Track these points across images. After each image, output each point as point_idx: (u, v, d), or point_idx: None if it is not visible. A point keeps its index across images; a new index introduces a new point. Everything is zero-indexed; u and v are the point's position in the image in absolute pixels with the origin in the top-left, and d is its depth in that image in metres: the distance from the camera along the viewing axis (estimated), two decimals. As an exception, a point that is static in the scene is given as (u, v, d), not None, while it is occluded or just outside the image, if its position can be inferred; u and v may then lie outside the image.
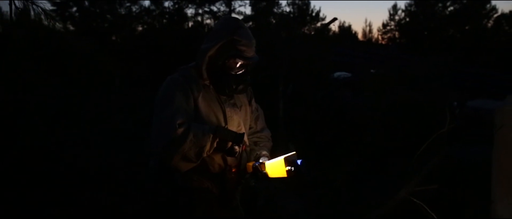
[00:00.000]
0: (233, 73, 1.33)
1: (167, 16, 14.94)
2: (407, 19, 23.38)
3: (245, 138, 1.40)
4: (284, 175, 1.29)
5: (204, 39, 1.39)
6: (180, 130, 1.23)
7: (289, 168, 1.28)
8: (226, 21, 1.39)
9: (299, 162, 1.31)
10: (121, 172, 2.76)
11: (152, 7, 14.76)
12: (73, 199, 2.38)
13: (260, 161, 1.38)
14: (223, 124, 1.37)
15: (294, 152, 1.34)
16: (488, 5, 20.65)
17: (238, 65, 1.33)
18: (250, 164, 1.39)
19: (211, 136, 1.25)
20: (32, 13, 1.94)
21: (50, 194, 2.35)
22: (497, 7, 23.44)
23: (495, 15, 20.72)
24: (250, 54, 1.34)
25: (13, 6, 1.95)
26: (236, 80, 1.34)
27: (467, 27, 20.99)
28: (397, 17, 24.24)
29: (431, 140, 2.98)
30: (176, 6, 14.87)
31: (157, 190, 1.43)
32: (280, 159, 1.29)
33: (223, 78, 1.33)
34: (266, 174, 1.33)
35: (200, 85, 1.35)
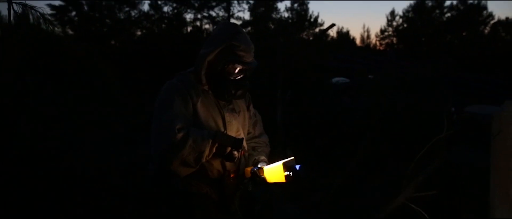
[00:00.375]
0: (232, 78, 1.33)
1: (166, 21, 15.00)
2: (405, 25, 23.59)
3: (244, 143, 1.40)
4: (283, 180, 1.29)
5: (202, 44, 1.39)
6: (180, 135, 1.23)
7: (288, 173, 1.28)
8: (225, 26, 1.40)
9: (297, 167, 1.31)
10: (119, 175, 2.75)
11: (151, 12, 14.82)
12: (71, 202, 2.37)
13: (259, 166, 1.38)
14: (222, 129, 1.37)
15: (293, 157, 1.33)
16: (484, 12, 20.92)
17: (237, 70, 1.33)
18: (249, 169, 1.39)
19: (210, 141, 1.25)
20: (31, 17, 1.95)
21: (48, 196, 2.34)
22: (493, 13, 23.74)
23: (492, 22, 20.97)
24: (249, 59, 1.34)
25: (12, 11, 1.96)
26: (235, 86, 1.34)
27: (464, 34, 21.21)
28: (394, 23, 24.47)
29: (429, 145, 2.99)
30: (175, 11, 14.94)
31: (155, 194, 1.42)
32: (279, 164, 1.29)
33: (222, 84, 1.33)
34: (264, 179, 1.33)
35: (199, 91, 1.35)
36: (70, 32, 13.43)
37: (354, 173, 3.35)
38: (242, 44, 1.31)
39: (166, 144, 1.23)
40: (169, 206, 1.37)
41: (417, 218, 2.44)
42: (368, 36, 29.57)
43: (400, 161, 3.11)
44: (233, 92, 1.35)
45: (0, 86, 1.95)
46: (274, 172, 1.30)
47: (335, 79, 8.08)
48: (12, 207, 2.17)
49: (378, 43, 26.57)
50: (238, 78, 1.34)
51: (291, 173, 1.29)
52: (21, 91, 2.10)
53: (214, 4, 15.00)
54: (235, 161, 1.31)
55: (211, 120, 1.35)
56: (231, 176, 1.38)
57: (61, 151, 2.52)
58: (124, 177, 2.72)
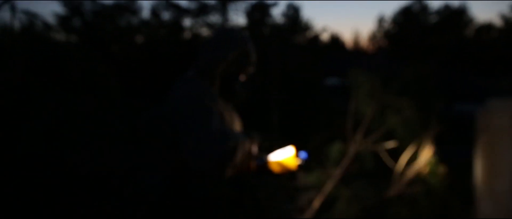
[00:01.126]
0: (241, 81, 1.39)
1: (165, 28, 15.07)
2: (394, 29, 24.18)
3: None
4: (295, 168, 1.32)
5: (204, 48, 1.39)
6: (234, 140, 1.24)
7: (300, 161, 1.33)
8: (235, 31, 1.42)
9: (304, 154, 1.35)
10: (121, 177, 2.76)
11: (152, 20, 14.91)
12: (75, 203, 2.37)
13: (263, 158, 1.39)
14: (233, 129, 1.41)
15: (293, 147, 1.36)
16: (465, 16, 21.92)
17: (246, 74, 1.39)
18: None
19: (250, 142, 1.30)
20: (35, 25, 1.97)
21: (48, 198, 2.34)
22: (474, 17, 24.76)
23: (476, 27, 21.86)
24: (255, 64, 1.42)
25: (16, 18, 1.97)
26: (243, 88, 1.41)
27: (450, 36, 21.94)
28: (385, 24, 25.05)
29: (419, 143, 3.11)
30: (174, 17, 15.04)
31: (173, 198, 1.35)
32: (292, 154, 1.32)
33: (233, 86, 1.38)
34: (272, 171, 1.34)
35: (214, 94, 1.37)
36: (73, 39, 13.38)
37: (347, 171, 3.44)
38: (253, 49, 1.38)
39: (225, 149, 1.21)
40: (188, 210, 1.31)
41: (408, 213, 2.53)
42: (359, 39, 30.09)
43: (391, 158, 3.22)
44: (240, 94, 1.41)
45: (6, 90, 1.96)
46: (286, 162, 1.31)
47: (327, 80, 8.25)
48: (13, 210, 2.17)
49: (368, 45, 27.08)
50: (244, 81, 1.40)
51: (302, 161, 1.33)
52: (25, 95, 2.10)
53: (211, 10, 15.08)
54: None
55: (226, 121, 1.37)
56: (244, 172, 1.38)
57: (64, 153, 2.53)
58: (125, 178, 2.74)
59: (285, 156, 1.33)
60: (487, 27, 22.06)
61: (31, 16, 1.85)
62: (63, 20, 13.56)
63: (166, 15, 14.83)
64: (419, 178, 2.91)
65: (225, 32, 1.43)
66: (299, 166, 1.33)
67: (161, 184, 1.35)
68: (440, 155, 3.39)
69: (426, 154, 2.99)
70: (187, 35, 15.05)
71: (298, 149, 1.37)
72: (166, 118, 1.28)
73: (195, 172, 1.25)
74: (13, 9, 1.87)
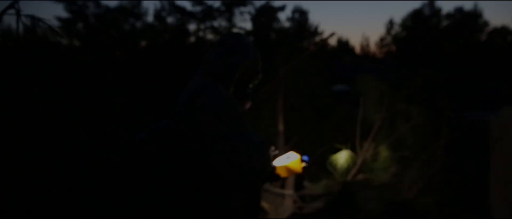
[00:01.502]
0: (251, 87, 1.38)
1: (169, 31, 15.25)
2: (404, 34, 23.90)
3: None
4: (300, 171, 1.35)
5: (217, 55, 1.34)
6: (269, 149, 1.26)
7: (304, 164, 1.36)
8: (245, 38, 1.41)
9: (306, 158, 1.38)
10: (123, 181, 2.76)
11: (156, 23, 15.11)
12: (74, 208, 2.38)
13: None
14: None
15: (292, 151, 1.40)
16: (480, 20, 21.36)
17: (255, 81, 1.39)
18: None
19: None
20: (38, 29, 2.00)
21: (50, 202, 2.35)
22: (489, 21, 24.21)
23: (488, 30, 21.33)
24: None
25: (20, 23, 2.02)
26: (251, 94, 1.40)
27: (461, 41, 21.54)
28: (393, 32, 24.80)
29: (430, 150, 3.03)
30: (179, 22, 15.21)
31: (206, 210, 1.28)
32: (297, 158, 1.35)
33: (245, 92, 1.37)
34: (278, 175, 1.36)
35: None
36: (77, 43, 13.62)
37: (353, 179, 3.37)
38: (260, 56, 1.38)
39: (266, 158, 1.23)
40: None
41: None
42: (368, 45, 29.91)
43: (401, 166, 3.14)
44: (249, 100, 1.40)
45: (9, 96, 2.00)
46: (292, 166, 1.35)
47: (335, 87, 8.19)
48: (14, 211, 2.18)
49: (377, 51, 26.87)
50: (252, 87, 1.40)
51: (305, 164, 1.36)
52: (28, 101, 2.14)
53: (216, 14, 15.23)
54: None
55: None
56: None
57: (67, 157, 2.55)
58: (127, 182, 2.74)
59: (290, 161, 1.36)
60: (501, 31, 21.56)
61: (36, 20, 1.89)
62: (66, 24, 13.79)
63: (170, 19, 15.03)
64: (429, 187, 2.83)
65: (238, 38, 1.40)
66: (304, 168, 1.35)
67: (183, 199, 1.29)
68: (452, 163, 3.30)
69: (436, 163, 2.91)
70: (192, 39, 15.19)
71: (301, 154, 1.38)
72: (187, 127, 1.20)
73: (226, 183, 1.21)
74: (17, 13, 1.91)
